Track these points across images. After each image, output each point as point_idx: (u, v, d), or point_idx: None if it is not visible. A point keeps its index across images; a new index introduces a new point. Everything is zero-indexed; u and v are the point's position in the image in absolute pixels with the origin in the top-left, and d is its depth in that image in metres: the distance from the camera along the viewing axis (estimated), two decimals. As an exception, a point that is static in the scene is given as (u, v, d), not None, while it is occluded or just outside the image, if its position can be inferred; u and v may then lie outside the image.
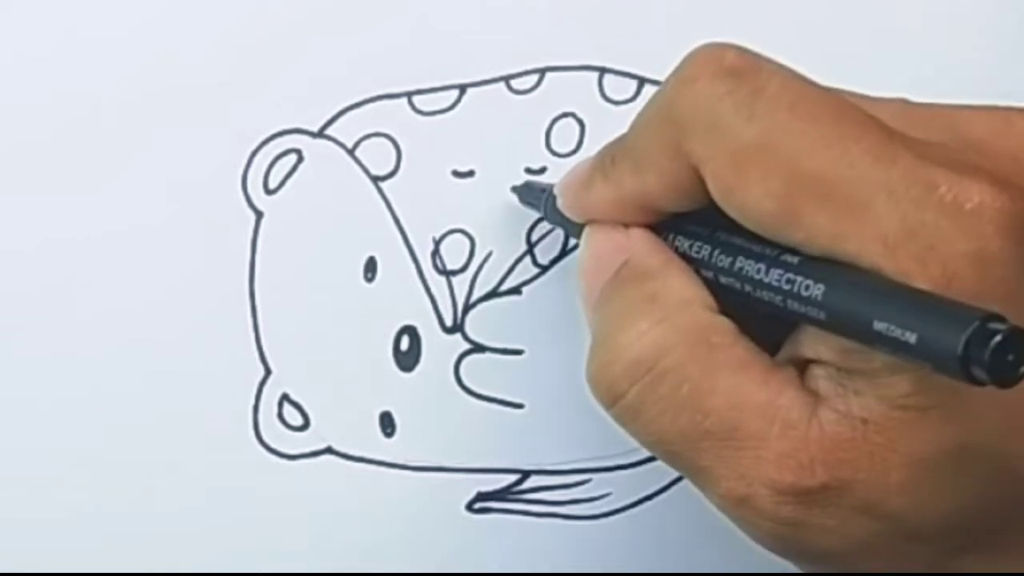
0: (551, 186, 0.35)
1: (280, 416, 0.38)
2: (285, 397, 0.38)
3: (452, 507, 0.39)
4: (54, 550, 0.37)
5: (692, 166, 0.29)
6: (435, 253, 0.38)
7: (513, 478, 0.39)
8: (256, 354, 0.38)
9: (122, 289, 0.37)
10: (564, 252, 0.38)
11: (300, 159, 0.38)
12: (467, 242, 0.38)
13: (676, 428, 0.29)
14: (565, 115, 0.39)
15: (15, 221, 0.37)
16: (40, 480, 0.37)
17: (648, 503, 0.39)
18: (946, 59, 0.40)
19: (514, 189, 0.38)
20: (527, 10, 0.39)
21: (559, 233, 0.38)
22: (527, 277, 0.39)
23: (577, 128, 0.39)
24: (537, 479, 0.39)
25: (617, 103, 0.39)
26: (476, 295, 0.38)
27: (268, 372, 0.38)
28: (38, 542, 0.37)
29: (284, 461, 0.38)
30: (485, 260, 0.38)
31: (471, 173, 0.38)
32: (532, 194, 0.37)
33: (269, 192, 0.38)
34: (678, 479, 0.39)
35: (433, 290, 0.38)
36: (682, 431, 0.29)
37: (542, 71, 0.39)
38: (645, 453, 0.38)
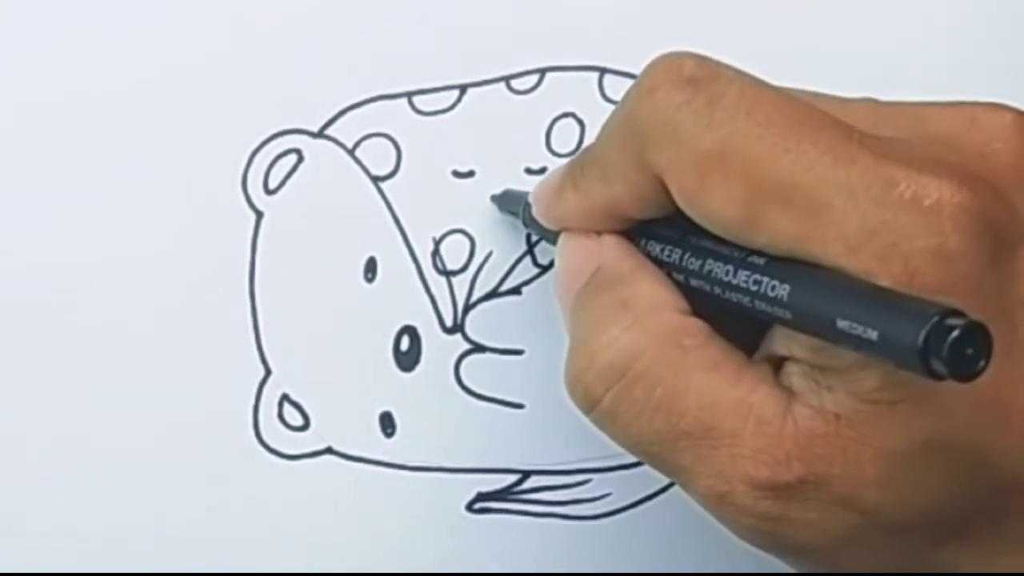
0: (527, 194, 0.35)
1: (280, 416, 0.38)
2: (285, 397, 0.38)
3: (452, 507, 0.39)
4: (54, 550, 0.37)
5: (656, 175, 0.30)
6: (435, 253, 0.38)
7: (513, 478, 0.39)
8: (256, 354, 0.38)
9: (122, 289, 0.37)
10: (564, 252, 0.38)
11: (300, 159, 0.38)
12: (467, 242, 0.38)
13: (652, 430, 0.30)
14: (565, 115, 0.39)
15: (14, 221, 0.37)
16: (40, 480, 0.37)
17: (648, 503, 0.39)
18: (946, 59, 0.40)
19: (493, 198, 0.38)
20: (527, 10, 0.39)
21: (559, 233, 0.38)
22: (527, 277, 0.39)
23: (577, 128, 0.39)
24: (537, 479, 0.39)
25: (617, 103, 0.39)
26: (476, 295, 0.38)
27: (268, 372, 0.38)
28: (38, 542, 0.37)
29: (284, 461, 0.38)
30: (485, 260, 0.38)
31: (471, 173, 0.38)
32: (511, 202, 0.37)
33: (269, 192, 0.38)
34: (678, 479, 0.39)
35: (433, 290, 0.38)
36: (658, 432, 0.30)
37: (542, 71, 0.39)
38: (645, 453, 0.38)
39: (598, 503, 0.39)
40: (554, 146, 0.39)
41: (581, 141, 0.39)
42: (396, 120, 0.38)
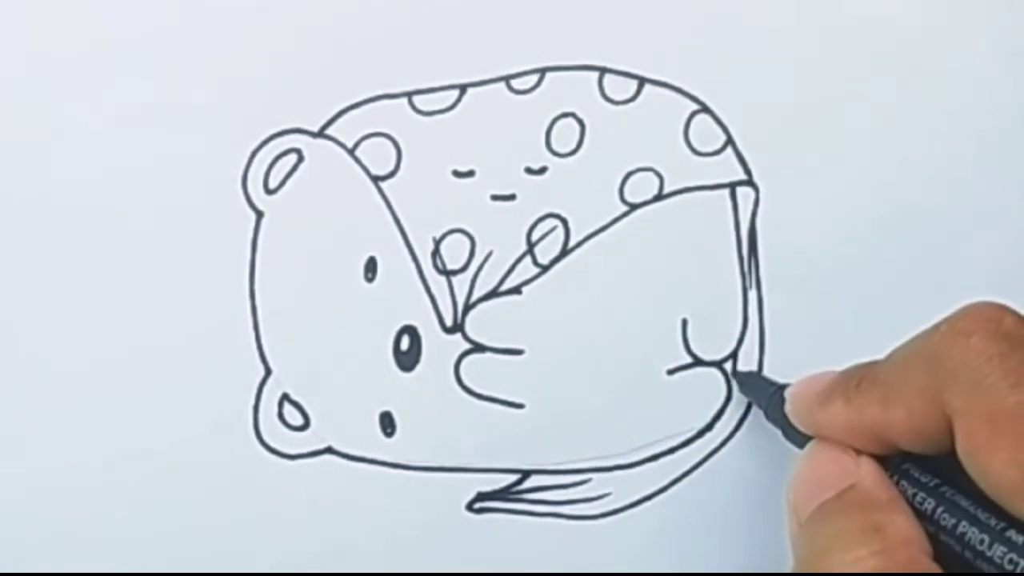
0: (780, 386, 0.36)
1: (280, 416, 0.38)
2: (285, 397, 0.38)
3: (452, 507, 0.39)
4: (54, 550, 0.37)
5: (946, 415, 0.29)
6: (435, 253, 0.38)
7: (513, 478, 0.39)
8: (256, 354, 0.38)
9: (122, 289, 0.37)
10: (564, 252, 0.38)
11: (300, 159, 0.38)
12: (467, 242, 0.38)
13: None
14: (565, 115, 0.39)
15: (15, 222, 0.37)
16: (40, 480, 0.37)
17: (648, 503, 0.39)
18: (947, 61, 0.40)
19: (735, 375, 0.38)
20: (527, 10, 0.38)
21: (559, 233, 0.38)
22: (527, 277, 0.39)
23: (577, 128, 0.39)
24: (537, 479, 0.39)
25: (617, 103, 0.39)
26: (476, 295, 0.38)
27: (268, 372, 0.38)
28: (38, 542, 0.37)
29: (284, 461, 0.38)
30: (485, 260, 0.38)
31: (471, 173, 0.38)
32: (755, 388, 0.38)
33: (269, 192, 0.38)
34: (678, 479, 0.39)
35: (433, 290, 0.38)
36: None
37: (542, 71, 0.39)
38: (645, 453, 0.38)
39: (598, 503, 0.39)
40: (554, 146, 0.39)
41: (581, 141, 0.39)
42: (396, 120, 0.38)
